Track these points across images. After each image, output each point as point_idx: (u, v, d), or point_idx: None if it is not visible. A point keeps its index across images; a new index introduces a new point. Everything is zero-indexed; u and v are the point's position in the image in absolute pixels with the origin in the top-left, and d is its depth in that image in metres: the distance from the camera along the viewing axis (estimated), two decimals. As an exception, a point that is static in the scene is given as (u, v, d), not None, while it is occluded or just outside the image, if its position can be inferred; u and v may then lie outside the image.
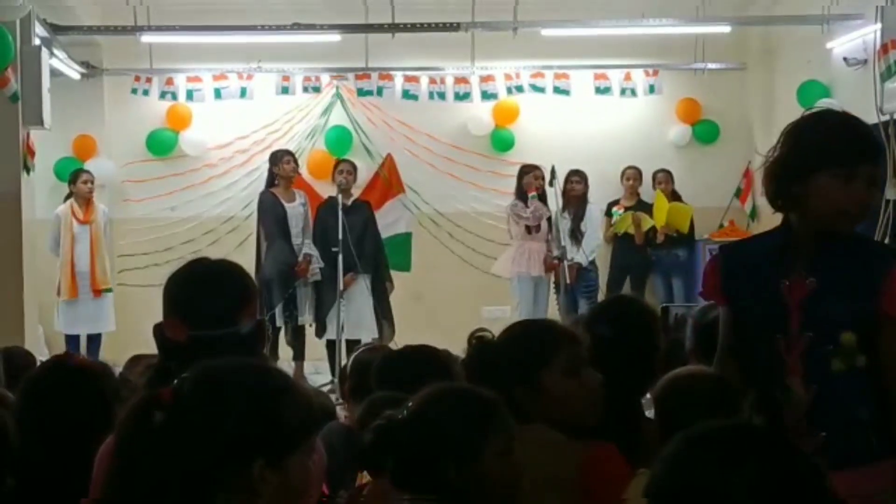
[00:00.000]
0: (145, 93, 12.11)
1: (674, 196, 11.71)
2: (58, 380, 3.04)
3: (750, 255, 3.17)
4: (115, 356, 10.66)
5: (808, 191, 2.92)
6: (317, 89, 12.26)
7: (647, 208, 11.57)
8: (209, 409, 1.94)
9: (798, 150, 2.97)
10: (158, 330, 2.81)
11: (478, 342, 2.97)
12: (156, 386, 2.11)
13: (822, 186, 2.90)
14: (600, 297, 10.84)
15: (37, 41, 8.82)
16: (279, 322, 10.06)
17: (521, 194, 10.67)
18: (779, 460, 1.72)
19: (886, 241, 6.93)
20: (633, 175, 11.81)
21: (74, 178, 10.78)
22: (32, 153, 8.60)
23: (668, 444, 1.79)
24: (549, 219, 10.71)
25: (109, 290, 10.82)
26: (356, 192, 10.53)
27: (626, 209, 11.59)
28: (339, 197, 9.97)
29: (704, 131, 12.53)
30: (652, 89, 12.50)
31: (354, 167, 10.48)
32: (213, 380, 2.00)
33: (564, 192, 10.85)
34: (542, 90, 12.33)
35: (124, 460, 1.98)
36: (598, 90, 12.45)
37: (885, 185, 7.11)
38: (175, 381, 2.00)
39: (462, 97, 12.31)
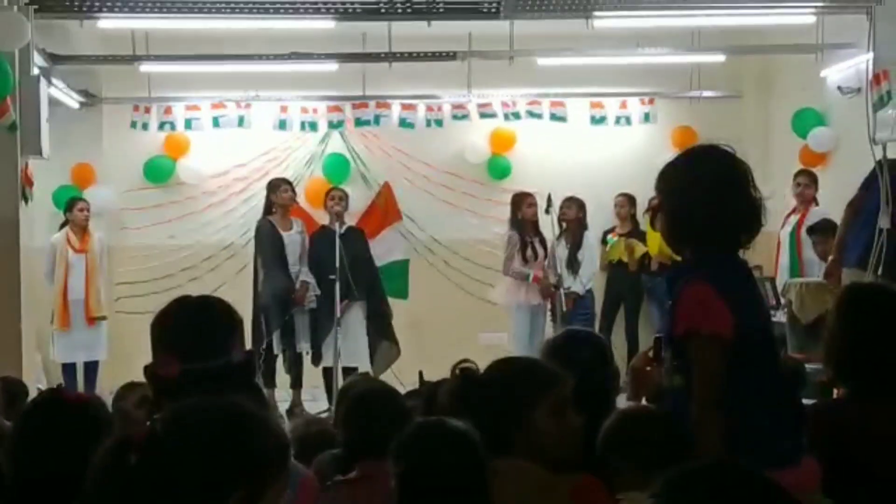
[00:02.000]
0: (144, 126, 12.18)
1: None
2: (51, 414, 3.06)
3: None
4: (111, 384, 10.72)
5: None
6: (313, 126, 12.31)
7: (642, 235, 11.60)
8: (181, 448, 1.96)
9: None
10: (149, 370, 2.85)
11: (462, 374, 3.00)
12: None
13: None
14: (596, 324, 10.91)
15: (35, 71, 8.86)
16: (276, 350, 10.09)
17: (516, 222, 10.73)
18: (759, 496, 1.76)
19: (879, 269, 6.96)
20: (622, 202, 11.83)
21: (70, 206, 10.81)
22: (31, 182, 8.62)
23: (655, 487, 1.82)
24: (544, 245, 10.77)
25: (104, 318, 10.85)
26: (349, 220, 10.57)
27: (621, 236, 11.64)
28: (336, 224, 10.02)
29: (700, 159, 12.56)
30: (647, 117, 12.58)
31: (346, 194, 10.52)
32: (184, 419, 2.03)
33: (560, 220, 10.90)
34: (538, 116, 12.40)
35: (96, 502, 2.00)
36: (594, 119, 12.54)
37: (878, 214, 7.14)
38: (148, 423, 2.03)
39: (460, 118, 12.35)
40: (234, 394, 2.44)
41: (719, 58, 11.68)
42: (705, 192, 3.18)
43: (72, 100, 11.19)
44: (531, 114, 12.40)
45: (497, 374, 3.01)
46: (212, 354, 2.83)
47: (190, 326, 2.91)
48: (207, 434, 1.99)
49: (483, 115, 12.36)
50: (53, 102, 9.78)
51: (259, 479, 2.00)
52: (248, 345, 8.88)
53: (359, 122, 12.31)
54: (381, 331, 10.27)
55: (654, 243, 11.43)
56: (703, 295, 3.03)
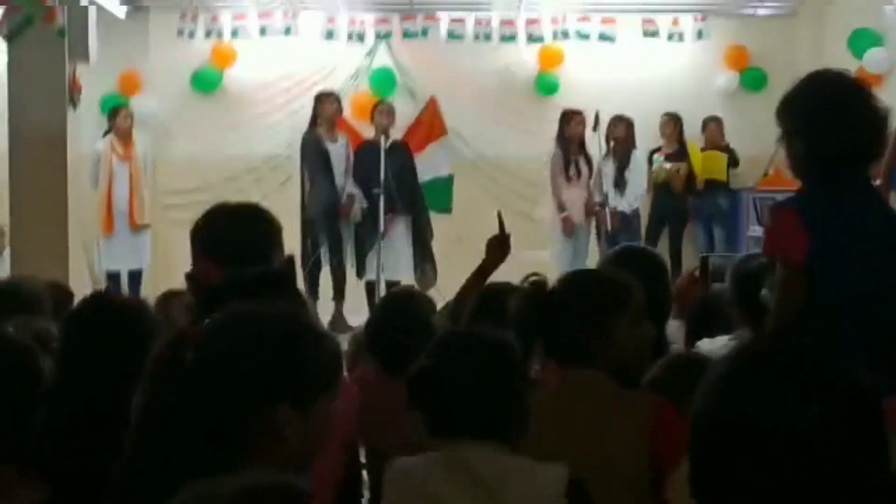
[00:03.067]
0: (191, 34, 12.13)
1: (718, 146, 11.60)
2: (95, 317, 3.07)
3: None
4: (153, 292, 10.82)
5: None
6: (361, 37, 12.21)
7: (687, 156, 11.46)
8: (232, 352, 1.98)
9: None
10: (190, 277, 2.84)
11: (535, 287, 2.98)
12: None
13: None
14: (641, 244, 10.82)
15: (84, -23, 8.85)
16: (323, 262, 10.13)
17: (562, 139, 10.64)
18: (844, 392, 1.57)
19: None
20: (666, 122, 11.55)
21: (114, 113, 10.80)
22: (79, 88, 8.63)
23: (713, 368, 1.64)
24: (589, 164, 10.69)
25: (147, 227, 10.91)
26: (395, 134, 10.51)
27: (667, 156, 11.46)
28: (382, 138, 9.99)
29: (752, 79, 12.36)
30: (700, 34, 12.36)
31: (393, 109, 10.46)
32: (238, 323, 2.04)
33: (608, 138, 10.80)
34: (586, 37, 12.22)
35: (157, 395, 2.01)
36: (647, 33, 12.33)
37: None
38: (206, 321, 2.03)
39: (507, 38, 12.22)
40: (277, 300, 2.46)
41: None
42: (835, 116, 3.25)
43: (119, 8, 11.14)
44: (580, 34, 12.21)
45: (575, 286, 2.97)
46: (252, 260, 2.82)
47: (230, 232, 2.90)
48: (259, 339, 1.99)
49: (531, 39, 12.19)
50: (100, 11, 9.74)
51: (309, 391, 2.00)
52: (296, 253, 8.95)
53: (406, 35, 12.20)
54: (422, 251, 10.28)
55: (699, 163, 11.31)
56: (785, 221, 3.16)
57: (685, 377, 2.76)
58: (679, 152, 11.50)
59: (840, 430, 1.52)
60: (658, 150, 11.64)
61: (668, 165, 11.31)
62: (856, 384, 1.58)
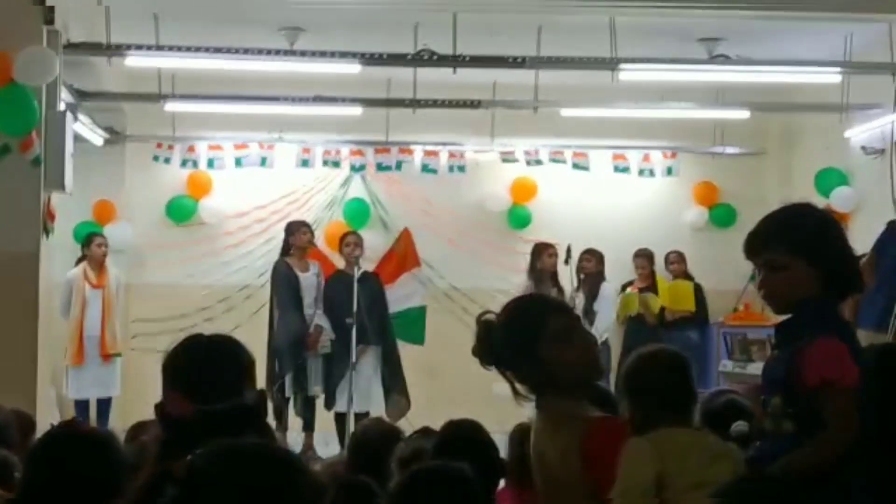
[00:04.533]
0: (167, 160, 12.25)
1: (686, 277, 11.72)
2: (64, 447, 3.04)
3: None
4: (123, 421, 10.70)
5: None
6: (336, 164, 12.36)
7: (657, 290, 11.55)
8: (224, 487, 1.96)
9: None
10: (160, 408, 2.83)
11: (482, 325, 3.11)
12: (164, 462, 2.12)
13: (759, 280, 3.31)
14: (611, 377, 10.80)
15: (62, 106, 8.91)
16: (288, 392, 10.06)
17: (535, 272, 10.71)
18: None
19: (900, 332, 6.91)
20: (642, 264, 11.67)
21: (88, 241, 10.83)
22: (52, 216, 8.63)
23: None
24: (562, 295, 10.73)
25: (119, 355, 10.83)
26: (365, 264, 10.54)
27: (640, 290, 11.55)
28: (355, 269, 10.04)
29: (721, 214, 12.55)
30: (670, 171, 12.57)
31: (361, 239, 10.51)
32: (229, 458, 2.03)
33: (581, 271, 10.89)
34: (562, 162, 12.40)
35: None
36: (617, 169, 12.53)
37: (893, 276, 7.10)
38: (189, 457, 2.02)
39: (480, 166, 12.38)
40: (246, 434, 2.46)
41: (744, 114, 11.67)
42: (836, 244, 3.32)
43: (96, 136, 11.24)
44: (554, 160, 12.39)
45: (505, 320, 3.11)
46: (223, 395, 2.81)
47: (202, 366, 2.89)
48: (251, 475, 1.99)
49: (505, 160, 12.36)
50: (78, 138, 9.82)
51: None
52: (261, 385, 8.86)
53: (381, 167, 12.35)
54: (393, 381, 10.24)
55: (668, 296, 11.39)
56: (838, 349, 3.15)
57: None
58: (650, 287, 11.59)
59: None
60: (630, 283, 11.73)
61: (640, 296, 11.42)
62: None
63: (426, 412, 9.90)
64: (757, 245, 3.32)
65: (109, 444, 3.11)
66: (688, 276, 11.75)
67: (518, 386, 3.06)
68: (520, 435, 3.77)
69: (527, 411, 3.32)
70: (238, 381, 2.89)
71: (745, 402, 4.34)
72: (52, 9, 8.45)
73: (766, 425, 3.22)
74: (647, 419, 3.08)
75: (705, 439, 3.19)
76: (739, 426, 4.00)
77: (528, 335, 3.01)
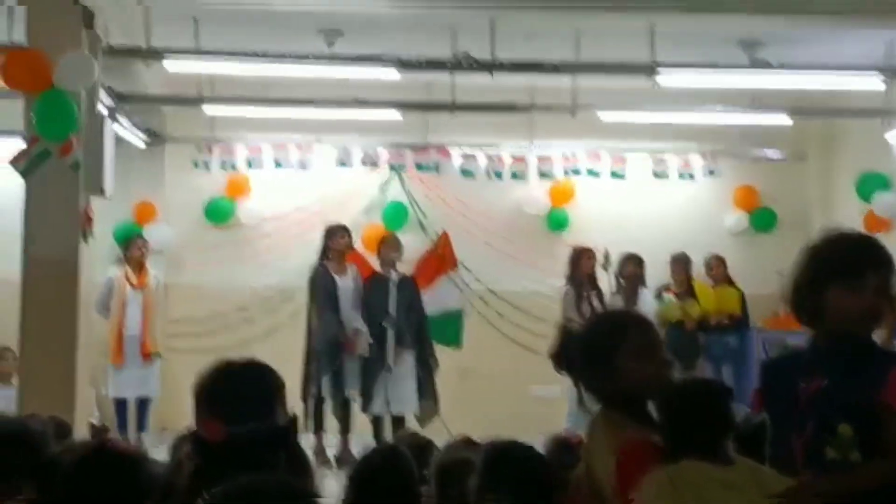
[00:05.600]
0: (206, 166, 12.31)
1: (727, 282, 11.62)
2: (95, 467, 3.07)
3: (785, 366, 3.39)
4: (162, 420, 10.79)
5: (823, 303, 3.19)
6: (375, 165, 12.39)
7: (695, 294, 11.46)
8: None
9: (810, 267, 3.30)
10: (193, 434, 2.85)
11: (562, 330, 3.22)
12: (196, 489, 2.13)
13: (834, 298, 3.17)
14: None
15: (102, 109, 8.96)
16: (325, 394, 10.09)
17: (574, 277, 10.66)
18: None
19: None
20: (677, 269, 11.42)
21: (128, 242, 10.93)
22: (90, 221, 8.67)
23: None
24: (601, 300, 10.69)
25: (158, 355, 10.92)
26: (402, 267, 10.56)
27: (677, 295, 11.42)
28: (391, 272, 10.07)
29: (761, 219, 12.46)
30: (711, 173, 12.48)
31: (399, 241, 10.52)
32: (247, 496, 2.02)
33: (620, 276, 10.83)
34: (597, 174, 12.36)
35: None
36: (656, 173, 12.47)
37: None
38: (208, 495, 2.02)
39: (518, 177, 12.36)
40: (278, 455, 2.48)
41: (785, 120, 11.51)
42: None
43: (136, 139, 11.31)
44: (591, 172, 12.35)
45: (587, 327, 3.37)
46: (256, 418, 2.82)
47: (234, 391, 2.91)
48: None
49: (542, 175, 12.34)
50: (118, 140, 9.89)
51: None
52: (298, 394, 8.88)
53: (419, 167, 12.36)
54: (425, 385, 10.25)
55: (707, 302, 11.29)
56: None
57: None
58: (688, 292, 11.49)
59: None
60: (667, 288, 11.64)
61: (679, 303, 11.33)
62: None
63: (461, 414, 9.94)
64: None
65: (140, 466, 3.14)
66: (729, 281, 11.64)
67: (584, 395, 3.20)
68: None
69: (557, 418, 3.40)
70: (269, 405, 2.90)
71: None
72: (92, 13, 8.51)
73: (828, 454, 3.12)
74: (675, 449, 3.06)
75: (731, 473, 3.13)
76: None
77: (608, 345, 3.14)
